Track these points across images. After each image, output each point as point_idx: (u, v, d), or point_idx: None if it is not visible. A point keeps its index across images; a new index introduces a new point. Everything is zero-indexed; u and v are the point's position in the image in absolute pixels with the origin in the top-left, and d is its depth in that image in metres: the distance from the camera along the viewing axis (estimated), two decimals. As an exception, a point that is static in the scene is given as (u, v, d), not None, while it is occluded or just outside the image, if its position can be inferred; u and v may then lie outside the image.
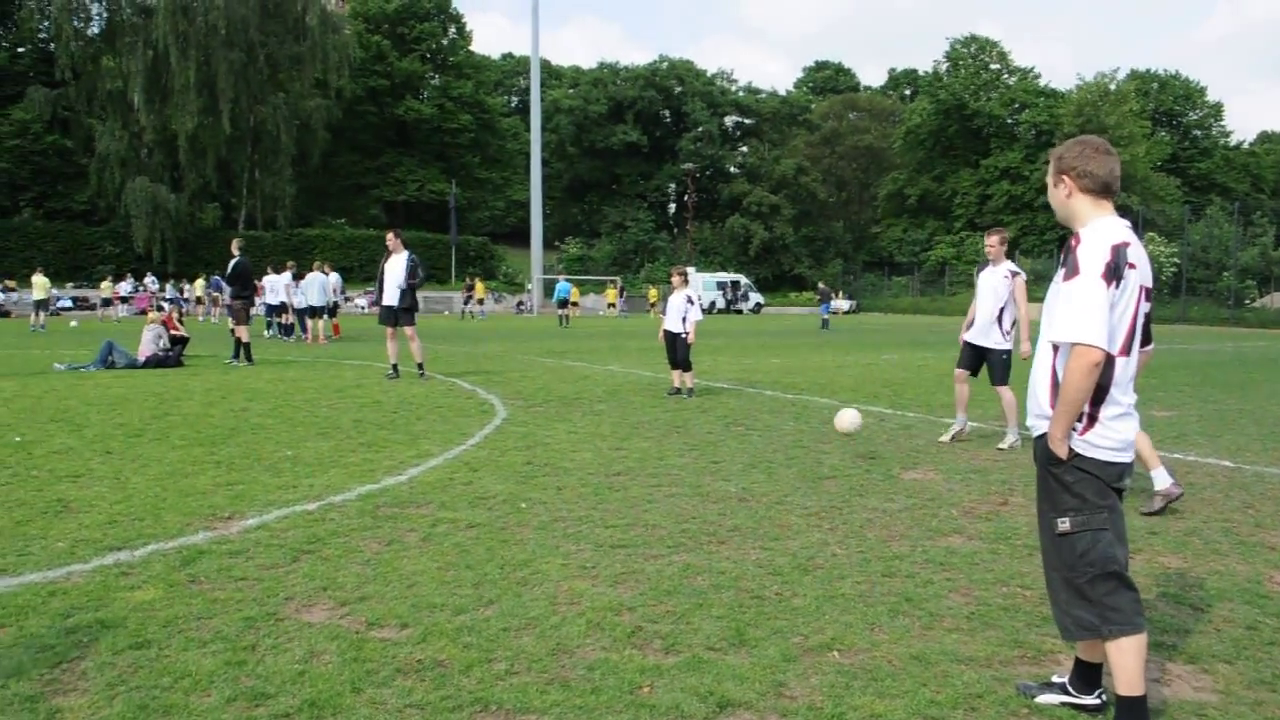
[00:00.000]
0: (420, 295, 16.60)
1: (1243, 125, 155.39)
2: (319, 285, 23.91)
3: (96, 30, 57.12)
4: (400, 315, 14.12)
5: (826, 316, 39.38)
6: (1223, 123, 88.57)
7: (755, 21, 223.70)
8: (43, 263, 41.10)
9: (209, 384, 13.27)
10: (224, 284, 24.63)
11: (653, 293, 58.25)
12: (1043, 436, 3.20)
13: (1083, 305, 2.99)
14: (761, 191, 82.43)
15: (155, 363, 15.66)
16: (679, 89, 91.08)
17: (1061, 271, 3.12)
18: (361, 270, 56.71)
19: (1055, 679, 3.44)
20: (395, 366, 14.30)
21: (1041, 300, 3.40)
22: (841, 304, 67.54)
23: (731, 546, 5.24)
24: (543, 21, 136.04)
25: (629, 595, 4.40)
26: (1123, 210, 3.29)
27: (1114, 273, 3.00)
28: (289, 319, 24.94)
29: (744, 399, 12.26)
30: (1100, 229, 3.11)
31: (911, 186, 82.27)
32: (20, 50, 64.32)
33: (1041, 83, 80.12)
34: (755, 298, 68.94)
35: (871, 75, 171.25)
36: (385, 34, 78.65)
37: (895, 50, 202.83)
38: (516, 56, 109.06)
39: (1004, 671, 3.61)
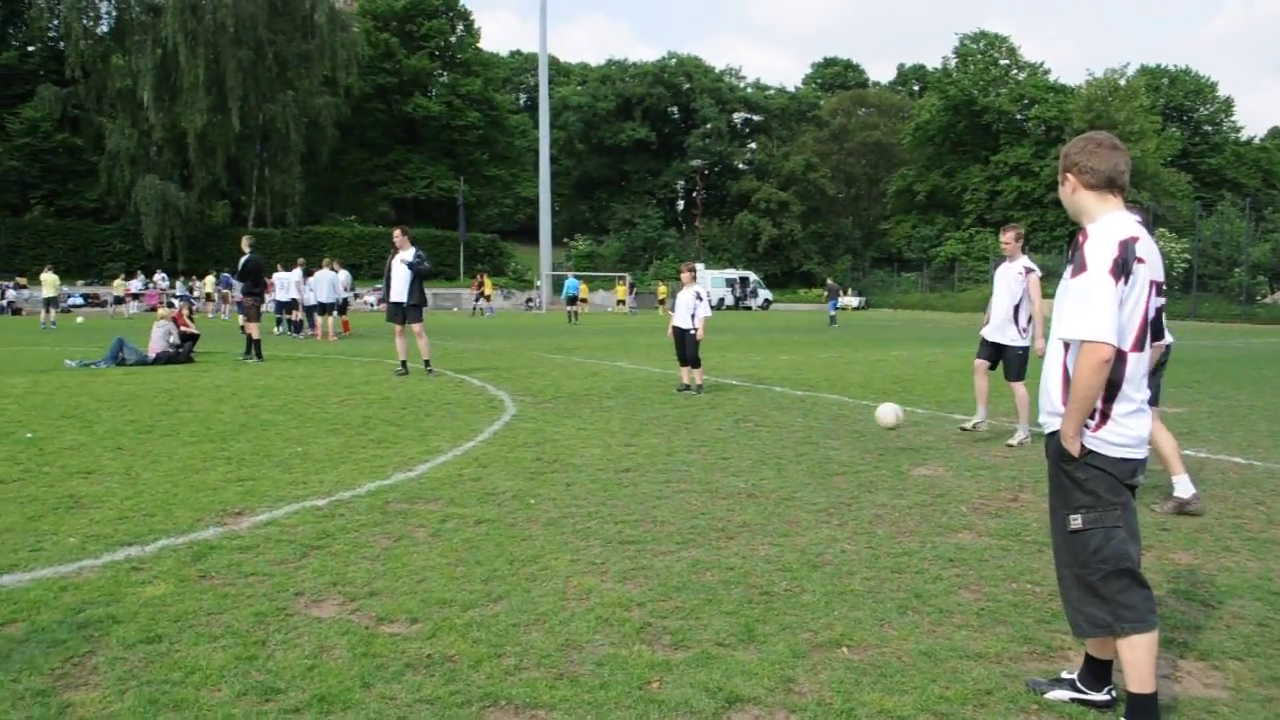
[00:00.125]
0: (429, 292, 16.61)
1: (1253, 121, 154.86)
2: (328, 282, 23.98)
3: (106, 29, 57.42)
4: (408, 312, 14.13)
5: (834, 313, 39.09)
6: (1233, 118, 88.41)
7: (763, 18, 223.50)
8: (53, 260, 41.28)
9: (219, 380, 13.31)
10: (233, 281, 24.72)
11: (662, 289, 58.25)
12: (1055, 433, 3.19)
13: (1091, 302, 2.98)
14: (770, 188, 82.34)
15: (166, 359, 15.72)
16: (687, 86, 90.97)
17: (1070, 268, 3.11)
18: (370, 267, 56.88)
19: (1065, 675, 3.43)
20: (404, 363, 14.32)
21: (1052, 297, 3.39)
22: (851, 300, 67.42)
23: (740, 542, 5.24)
24: (551, 19, 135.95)
25: (638, 591, 4.40)
26: (1133, 205, 3.27)
27: (1122, 268, 2.99)
28: (299, 316, 25.00)
29: (753, 395, 12.25)
30: (1107, 224, 3.10)
31: (921, 182, 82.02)
32: (30, 49, 64.60)
33: (1051, 78, 79.76)
34: (764, 294, 68.89)
35: (880, 71, 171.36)
36: (394, 31, 78.71)
37: (904, 46, 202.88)
38: (525, 54, 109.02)
39: (1014, 668, 3.60)
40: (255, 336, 16.63)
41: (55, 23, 59.65)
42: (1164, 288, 5.94)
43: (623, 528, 5.49)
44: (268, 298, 25.20)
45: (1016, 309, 8.79)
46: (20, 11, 63.68)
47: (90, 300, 47.81)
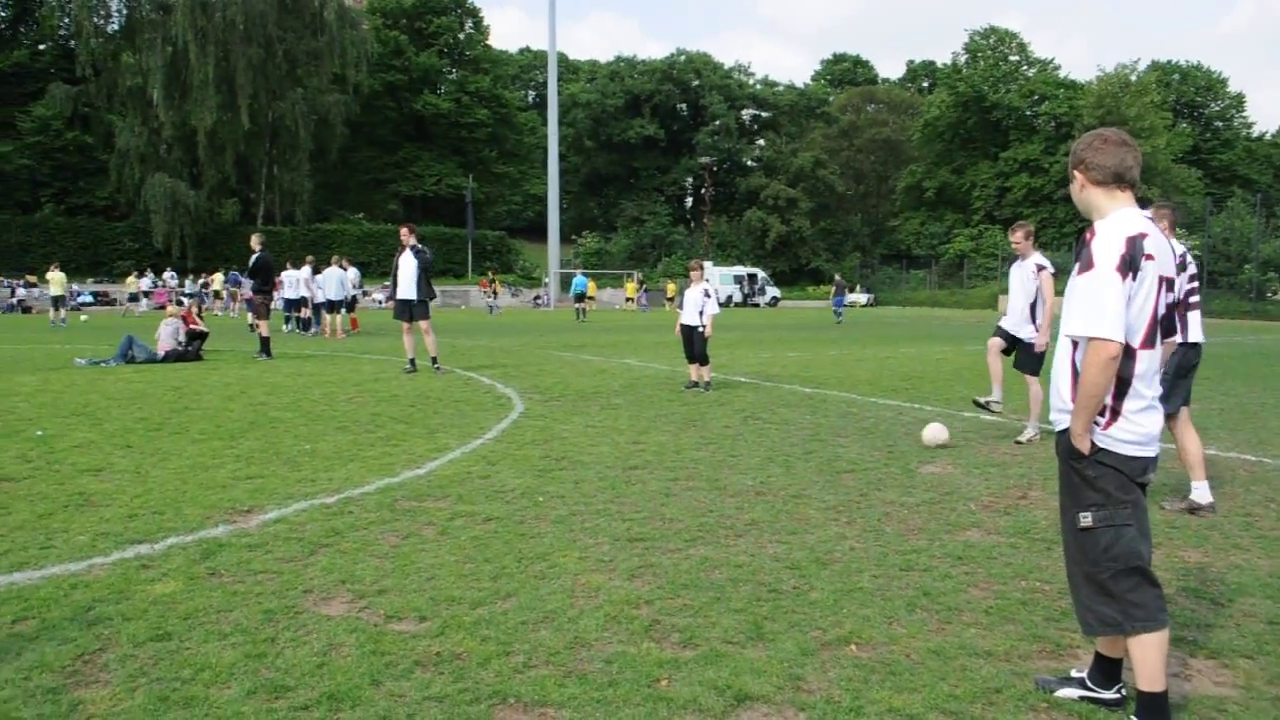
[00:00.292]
0: (438, 288, 16.64)
1: (1265, 117, 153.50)
2: (337, 280, 24.02)
3: (116, 27, 57.59)
4: (415, 309, 14.15)
5: (841, 310, 38.28)
6: (1244, 114, 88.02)
7: (772, 14, 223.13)
8: (63, 259, 41.44)
9: (228, 378, 13.35)
10: (242, 279, 24.79)
11: (670, 287, 58.22)
12: (1065, 431, 3.17)
13: (1097, 299, 2.96)
14: (779, 185, 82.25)
15: (175, 357, 15.77)
16: (696, 82, 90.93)
17: (1077, 265, 3.10)
18: (379, 265, 56.95)
19: (1074, 673, 3.42)
20: (413, 361, 14.34)
21: (1063, 294, 3.37)
22: (859, 297, 67.25)
23: (749, 540, 5.23)
24: (560, 16, 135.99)
25: (646, 589, 4.40)
26: (1144, 203, 3.25)
27: (1129, 265, 2.97)
28: (307, 313, 25.05)
29: (761, 393, 12.24)
30: (1115, 221, 3.08)
31: (930, 179, 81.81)
32: (41, 47, 64.90)
33: (1061, 74, 79.49)
34: (772, 291, 68.80)
35: (889, 67, 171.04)
36: (403, 29, 78.88)
37: (914, 42, 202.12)
38: (534, 51, 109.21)
39: (1023, 666, 3.59)
40: (265, 334, 16.67)
41: (66, 21, 59.90)
42: (1188, 284, 5.91)
43: (631, 525, 5.49)
44: (276, 295, 25.28)
45: (1033, 307, 8.74)
46: (31, 10, 64.01)
47: (100, 298, 48.02)
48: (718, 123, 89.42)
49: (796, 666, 3.54)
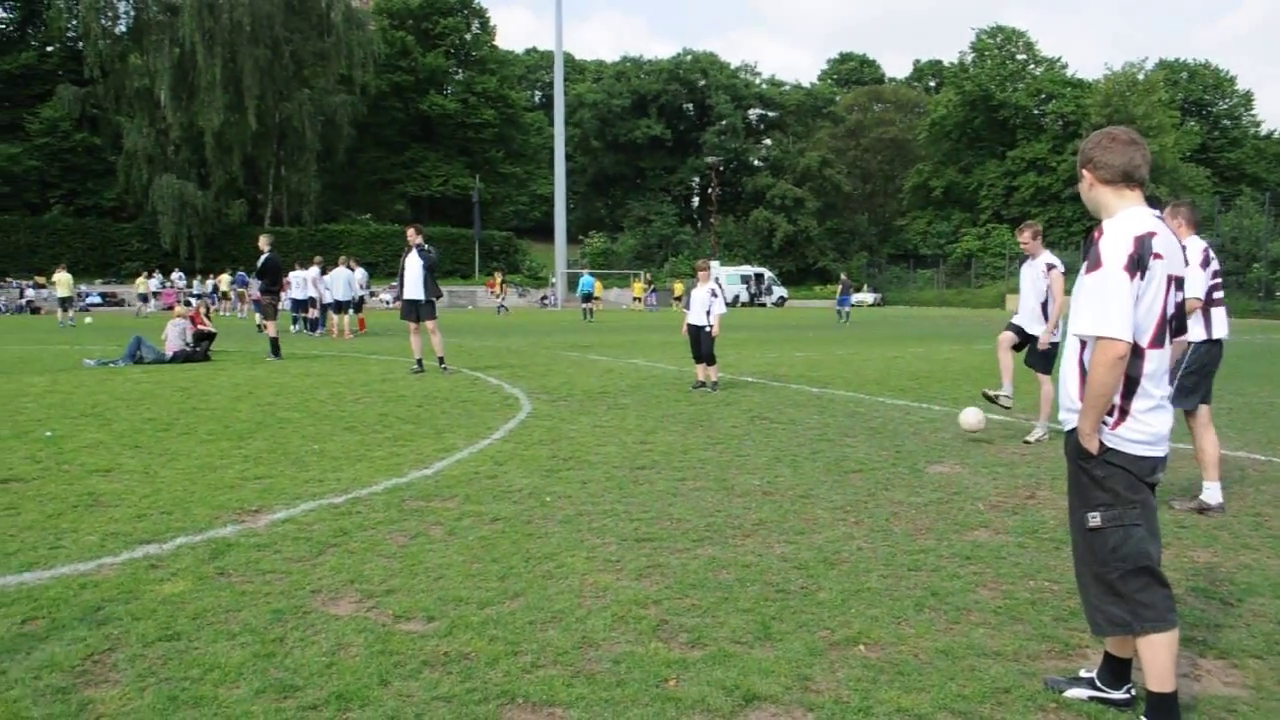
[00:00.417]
0: (444, 288, 16.63)
1: (1273, 115, 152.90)
2: (344, 280, 24.08)
3: (124, 29, 57.86)
4: (421, 309, 14.18)
5: (846, 309, 37.68)
6: (1253, 112, 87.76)
7: (779, 14, 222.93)
8: (71, 259, 41.58)
9: (236, 379, 13.38)
10: (249, 279, 24.84)
11: (678, 286, 58.21)
12: (1074, 430, 3.17)
13: (1105, 298, 2.95)
14: (785, 184, 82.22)
15: (183, 358, 15.81)
16: (702, 82, 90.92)
17: (1085, 264, 3.09)
18: (386, 265, 57.08)
19: (1083, 673, 3.41)
20: (420, 361, 14.36)
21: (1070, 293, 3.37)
22: (866, 297, 67.14)
23: (757, 540, 5.23)
24: (566, 16, 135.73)
25: (654, 589, 4.40)
26: (1153, 201, 3.24)
27: (1137, 264, 2.96)
28: (315, 314, 25.10)
29: (768, 393, 12.23)
30: (1124, 220, 3.07)
31: (937, 178, 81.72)
32: (49, 49, 65.10)
33: (1068, 73, 79.41)
34: (779, 291, 68.72)
35: (896, 67, 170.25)
36: (409, 29, 78.99)
37: (920, 41, 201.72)
38: (540, 51, 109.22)
39: (1031, 666, 3.58)
40: (273, 335, 16.70)
41: (74, 23, 60.15)
42: (1212, 279, 5.89)
43: (639, 525, 5.49)
44: (283, 296, 25.34)
45: (1044, 306, 8.71)
46: (39, 12, 64.21)
47: (108, 299, 48.16)
48: (724, 122, 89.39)
49: (804, 666, 3.53)
